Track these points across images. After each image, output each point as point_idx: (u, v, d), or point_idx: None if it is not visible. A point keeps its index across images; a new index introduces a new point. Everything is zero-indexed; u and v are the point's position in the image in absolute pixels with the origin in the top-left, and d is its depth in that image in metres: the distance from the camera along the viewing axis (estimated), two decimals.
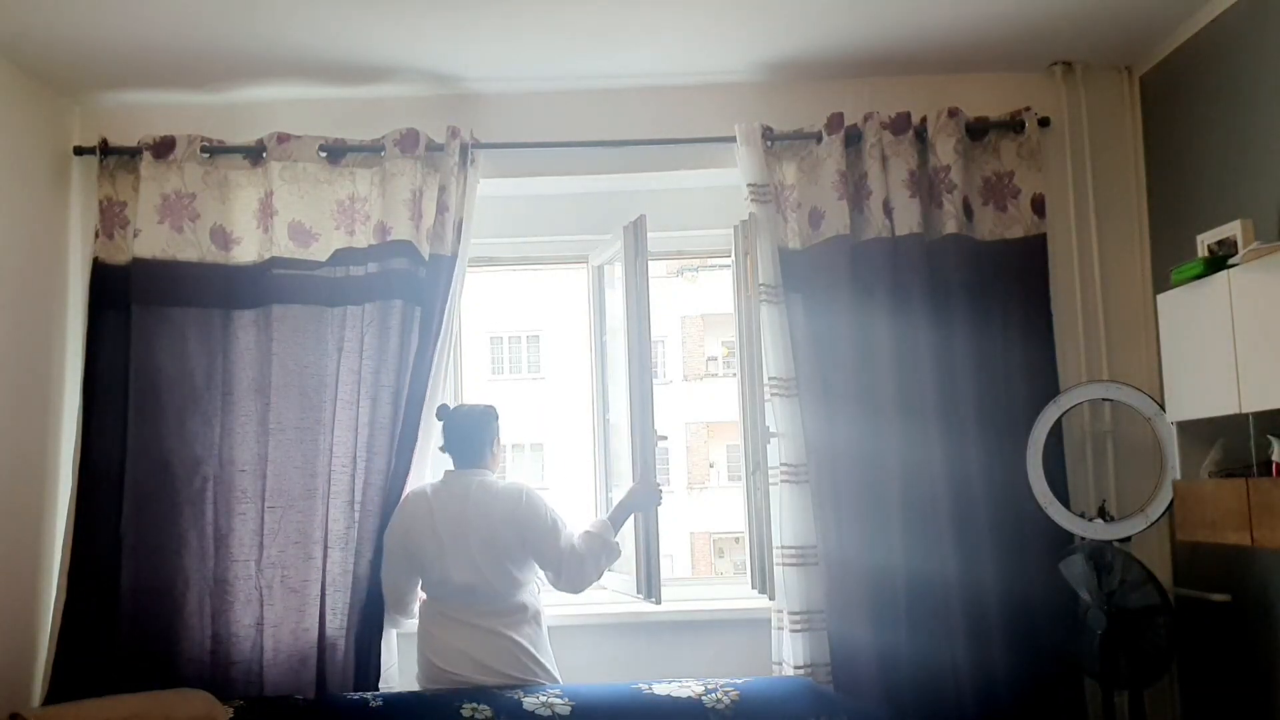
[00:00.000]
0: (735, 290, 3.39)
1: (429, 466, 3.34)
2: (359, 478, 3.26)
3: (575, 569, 3.05)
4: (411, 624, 3.20)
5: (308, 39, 3.14)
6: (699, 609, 3.48)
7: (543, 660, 3.10)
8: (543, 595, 3.18)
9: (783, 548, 3.25)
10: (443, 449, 3.21)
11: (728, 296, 3.64)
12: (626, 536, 3.23)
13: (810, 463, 3.28)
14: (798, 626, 3.20)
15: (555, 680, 3.10)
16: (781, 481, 3.27)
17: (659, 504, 3.21)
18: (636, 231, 3.29)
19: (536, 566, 3.10)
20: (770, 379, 3.29)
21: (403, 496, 3.20)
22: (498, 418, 3.22)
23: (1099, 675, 3.07)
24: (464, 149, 3.37)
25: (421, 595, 3.17)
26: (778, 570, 3.24)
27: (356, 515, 3.25)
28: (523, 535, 3.04)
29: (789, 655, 3.23)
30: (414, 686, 3.12)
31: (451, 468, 3.18)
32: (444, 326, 3.32)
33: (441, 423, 3.21)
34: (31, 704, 3.18)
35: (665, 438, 3.15)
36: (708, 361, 17.68)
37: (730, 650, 3.29)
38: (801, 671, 3.19)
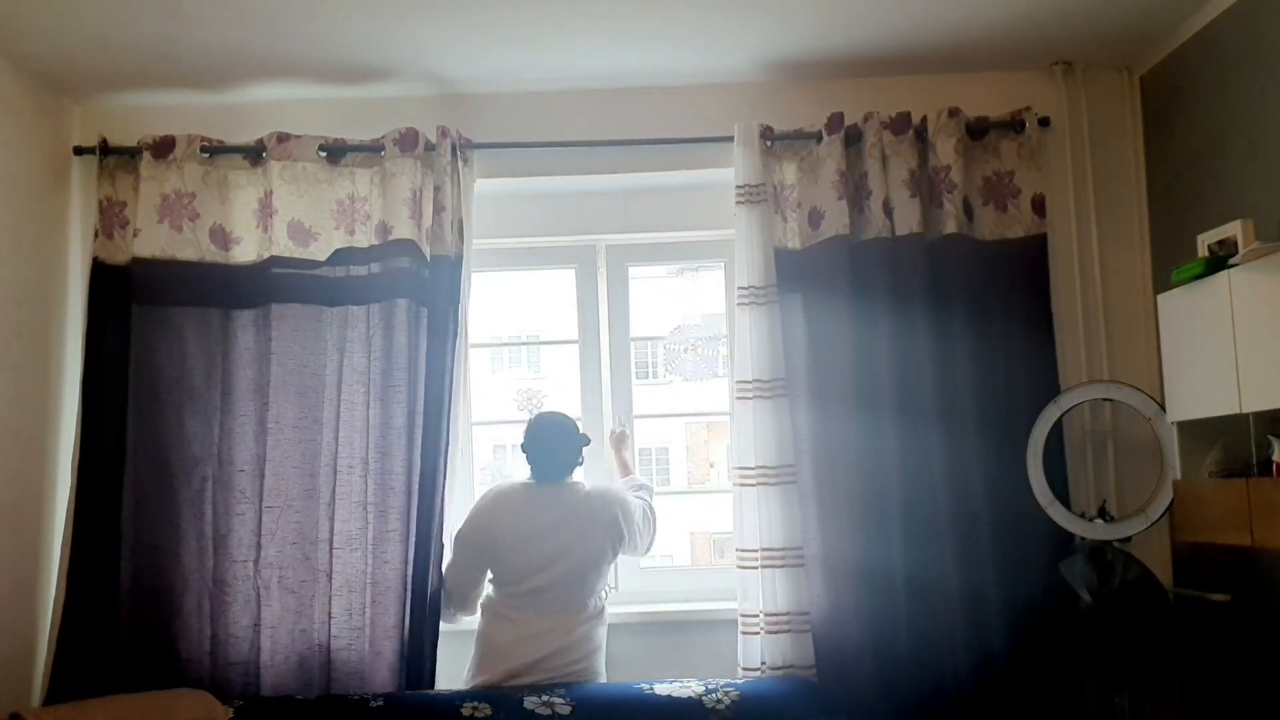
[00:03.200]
0: (729, 293, 3.41)
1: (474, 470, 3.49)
2: (371, 479, 3.26)
3: (650, 529, 3.30)
4: (468, 621, 3.23)
5: (305, 39, 3.14)
6: (698, 609, 3.48)
7: (596, 659, 3.16)
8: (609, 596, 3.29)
9: (764, 550, 3.25)
10: (528, 457, 3.22)
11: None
12: None
13: (808, 464, 3.29)
14: (774, 628, 3.21)
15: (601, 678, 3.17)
16: (760, 484, 3.26)
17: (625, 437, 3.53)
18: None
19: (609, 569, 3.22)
20: (756, 380, 3.29)
21: (484, 495, 3.22)
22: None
23: (1099, 675, 3.07)
24: (454, 148, 3.37)
25: (488, 590, 3.19)
26: (763, 572, 3.24)
27: (370, 517, 3.25)
28: (619, 540, 3.18)
29: (768, 656, 3.22)
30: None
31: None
32: (458, 328, 3.32)
33: (531, 433, 3.22)
34: (31, 704, 3.18)
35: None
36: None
37: (729, 650, 3.29)
38: (780, 672, 3.19)
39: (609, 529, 3.15)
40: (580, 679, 3.09)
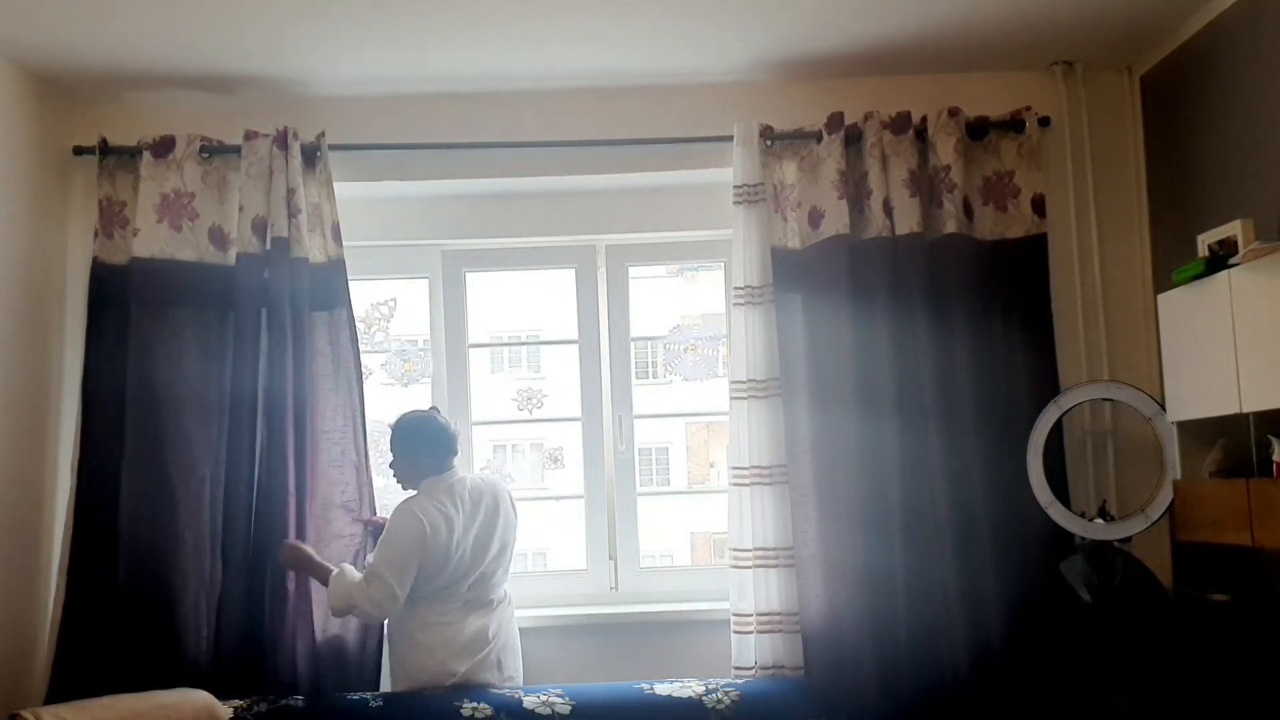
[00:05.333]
0: (726, 292, 3.42)
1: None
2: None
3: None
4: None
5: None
6: (698, 609, 3.47)
7: (519, 656, 3.24)
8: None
9: (757, 549, 3.25)
10: (429, 451, 3.15)
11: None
12: None
13: (808, 463, 3.29)
14: (766, 628, 3.22)
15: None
16: (754, 484, 3.27)
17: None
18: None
19: None
20: (751, 380, 3.29)
21: (407, 510, 3.08)
22: None
23: (1099, 675, 3.07)
24: (304, 149, 3.36)
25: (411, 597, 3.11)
26: (756, 572, 3.24)
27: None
28: (517, 519, 3.24)
29: (759, 656, 3.23)
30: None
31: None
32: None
33: (431, 426, 3.18)
34: (31, 703, 3.17)
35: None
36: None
37: (729, 650, 3.28)
38: (769, 672, 3.20)
39: (512, 508, 3.22)
40: (512, 680, 3.14)
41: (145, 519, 3.22)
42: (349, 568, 3.11)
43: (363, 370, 3.38)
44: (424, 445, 3.16)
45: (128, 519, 3.21)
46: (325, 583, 3.08)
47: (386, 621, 3.14)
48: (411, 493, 3.14)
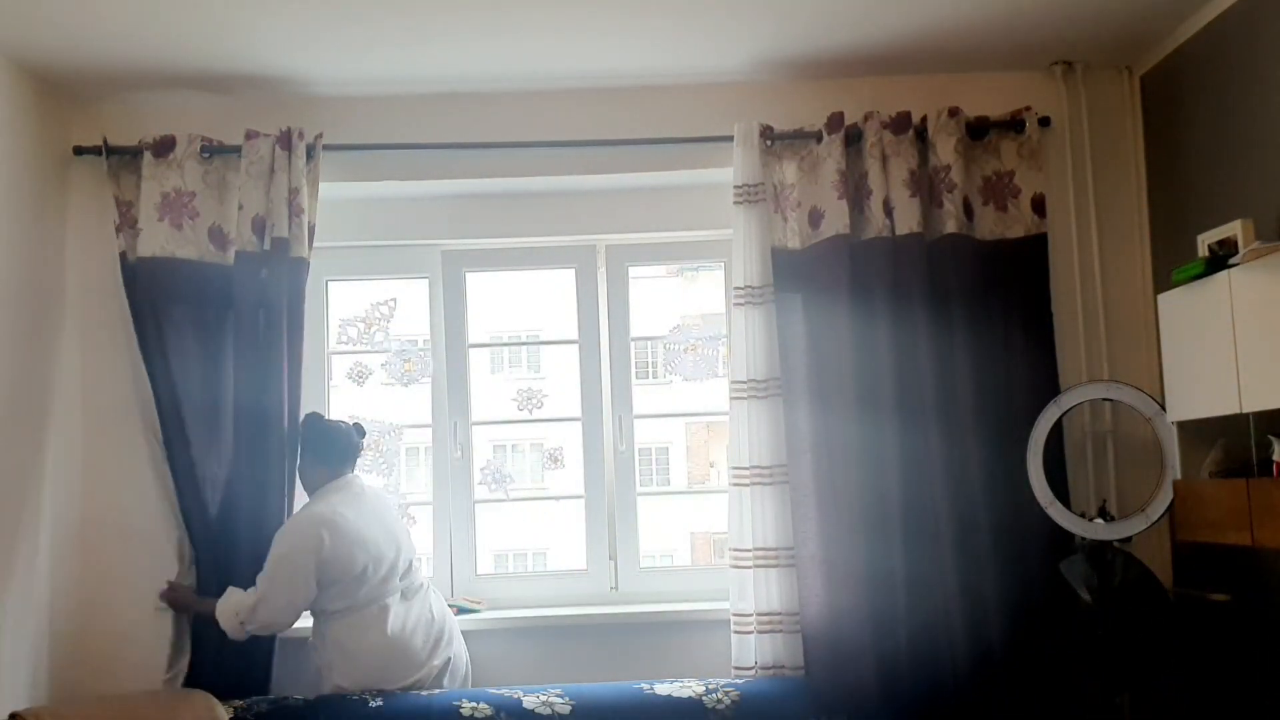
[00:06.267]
0: (726, 292, 3.43)
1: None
2: None
3: None
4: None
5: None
6: (697, 609, 3.47)
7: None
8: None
9: (757, 549, 3.26)
10: (337, 457, 3.18)
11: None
12: None
13: (808, 463, 3.29)
14: (766, 628, 3.22)
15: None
16: (753, 484, 3.27)
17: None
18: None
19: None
20: (751, 380, 3.30)
21: (304, 519, 3.08)
22: None
23: (1099, 675, 3.07)
24: (308, 149, 3.35)
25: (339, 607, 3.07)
26: (756, 572, 3.25)
27: None
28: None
29: (759, 656, 3.23)
30: None
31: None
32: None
33: (335, 431, 3.20)
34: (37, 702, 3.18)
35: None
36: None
37: (729, 650, 3.29)
38: (770, 672, 3.21)
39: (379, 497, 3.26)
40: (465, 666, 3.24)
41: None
42: (235, 590, 3.06)
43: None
44: (321, 450, 3.18)
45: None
46: (212, 617, 3.04)
47: (335, 639, 3.06)
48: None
